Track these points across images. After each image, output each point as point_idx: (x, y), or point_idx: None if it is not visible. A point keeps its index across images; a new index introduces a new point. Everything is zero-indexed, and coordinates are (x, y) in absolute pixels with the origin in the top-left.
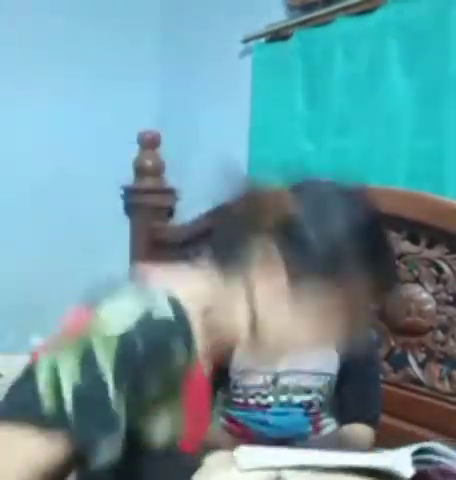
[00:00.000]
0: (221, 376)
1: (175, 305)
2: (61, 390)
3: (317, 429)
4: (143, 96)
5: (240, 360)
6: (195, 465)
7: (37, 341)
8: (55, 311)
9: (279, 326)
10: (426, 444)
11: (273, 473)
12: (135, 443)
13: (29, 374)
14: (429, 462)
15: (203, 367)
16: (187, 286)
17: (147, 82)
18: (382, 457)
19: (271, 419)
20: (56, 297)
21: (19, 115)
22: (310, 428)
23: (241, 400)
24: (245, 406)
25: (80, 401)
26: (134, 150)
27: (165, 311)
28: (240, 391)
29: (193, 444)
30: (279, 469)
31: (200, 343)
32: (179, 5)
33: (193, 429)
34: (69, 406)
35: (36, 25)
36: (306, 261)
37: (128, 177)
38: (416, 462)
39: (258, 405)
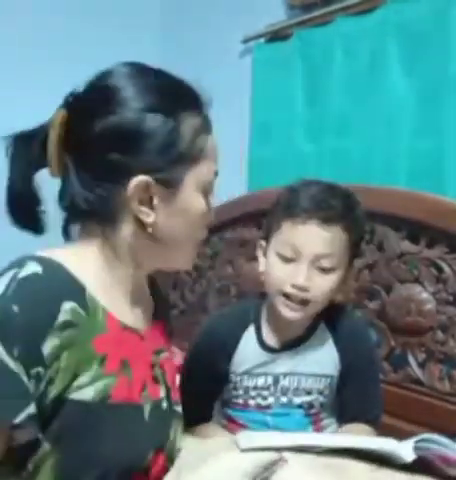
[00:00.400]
0: (221, 378)
1: (45, 261)
2: None
3: (318, 430)
4: None
5: (241, 362)
6: (138, 413)
7: None
8: None
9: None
10: (427, 435)
11: (274, 454)
12: (61, 405)
13: None
14: (429, 449)
15: (116, 317)
16: (68, 249)
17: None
18: (384, 442)
19: (271, 420)
20: None
21: (19, 115)
22: (311, 429)
23: (241, 401)
24: (245, 407)
25: None
26: None
27: (32, 268)
28: (240, 392)
29: (134, 392)
30: (280, 450)
31: (104, 285)
32: (179, 5)
33: (126, 377)
34: None
35: (36, 25)
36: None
37: None
38: (417, 449)
39: (258, 406)
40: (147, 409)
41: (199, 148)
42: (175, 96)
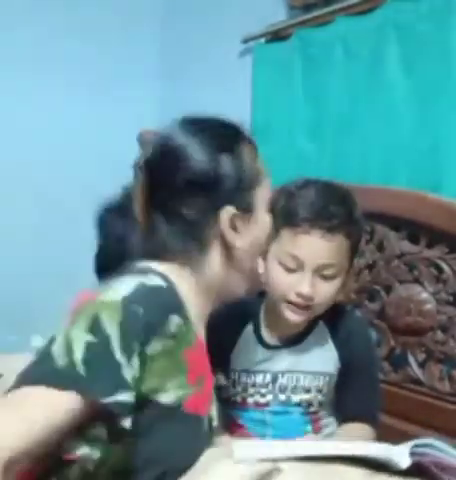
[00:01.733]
0: (221, 374)
1: (164, 278)
2: (72, 352)
3: (317, 429)
4: (143, 96)
5: (239, 359)
6: (200, 425)
7: (38, 341)
8: (56, 311)
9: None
10: (424, 440)
11: (270, 464)
12: (145, 403)
13: (45, 350)
14: (425, 455)
15: (201, 333)
16: (167, 266)
17: (147, 82)
18: (379, 448)
19: (269, 419)
20: (57, 297)
21: (19, 116)
22: (309, 428)
23: (239, 398)
24: (243, 405)
25: (90, 362)
26: (134, 150)
27: (156, 281)
28: (239, 389)
29: (201, 405)
30: (276, 460)
31: (194, 308)
32: (179, 5)
33: (199, 391)
34: (80, 366)
35: (36, 25)
36: None
37: (128, 177)
38: (412, 454)
39: (256, 404)
40: (205, 422)
41: (259, 171)
42: (230, 133)
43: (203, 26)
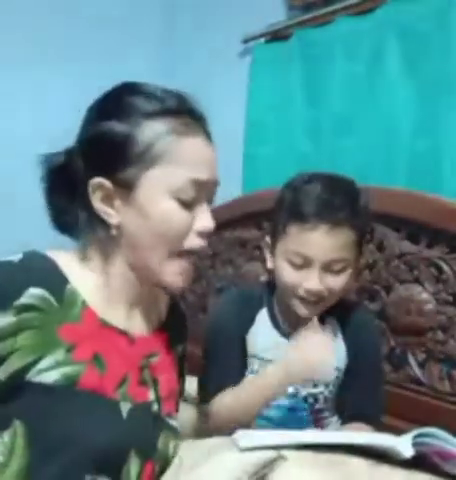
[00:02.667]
0: (243, 355)
1: (29, 252)
2: None
3: (320, 428)
4: None
5: (254, 344)
6: (103, 404)
7: None
8: None
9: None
10: (427, 429)
11: (273, 452)
12: (23, 385)
13: None
14: (428, 445)
15: (96, 313)
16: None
17: (147, 81)
18: (383, 438)
19: (275, 415)
20: None
21: (19, 115)
22: (313, 427)
23: None
24: None
25: None
26: None
27: (12, 258)
28: (250, 378)
29: (106, 385)
30: (279, 448)
31: (87, 289)
32: (179, 5)
33: (97, 369)
34: None
35: (36, 24)
36: None
37: None
38: (415, 444)
39: None
40: (126, 407)
41: (161, 151)
42: (140, 103)
43: (203, 26)
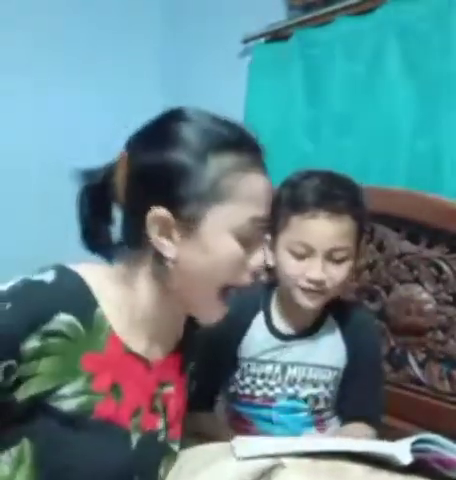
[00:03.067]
0: (229, 362)
1: (61, 271)
2: None
3: (320, 431)
4: (143, 95)
5: (249, 347)
6: (115, 433)
7: None
8: None
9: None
10: (426, 435)
11: (272, 460)
12: (42, 408)
13: None
14: (427, 451)
15: (121, 340)
16: (105, 268)
17: (147, 81)
18: (381, 445)
19: (275, 416)
20: None
21: (19, 115)
22: (313, 430)
23: (247, 392)
24: (251, 399)
25: None
26: None
27: (45, 277)
28: (247, 381)
29: (120, 414)
30: (278, 457)
31: (116, 313)
32: (179, 5)
33: (113, 399)
34: None
35: (35, 24)
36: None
37: None
38: (414, 451)
39: (264, 397)
40: (136, 437)
41: (226, 188)
42: (204, 135)
43: (203, 26)
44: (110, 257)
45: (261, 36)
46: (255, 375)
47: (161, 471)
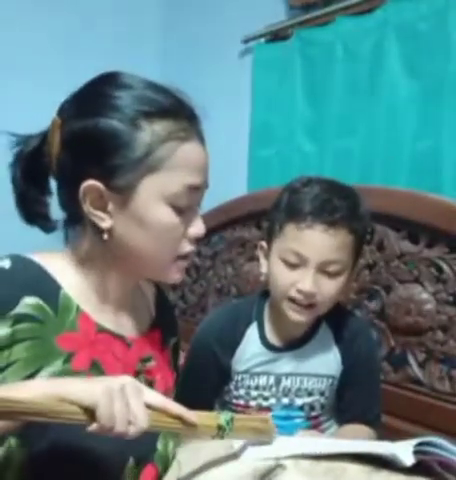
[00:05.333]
0: (223, 374)
1: (16, 259)
2: None
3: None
4: None
5: (243, 360)
6: None
7: None
8: None
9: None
10: (428, 438)
11: (273, 461)
12: None
13: None
14: (428, 453)
15: (92, 319)
16: (59, 252)
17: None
18: (383, 446)
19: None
20: None
21: (20, 115)
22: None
23: (242, 402)
24: (246, 408)
25: None
26: None
27: (1, 264)
28: (241, 392)
29: None
30: (278, 458)
31: (81, 295)
32: (179, 5)
33: (94, 376)
34: None
35: (35, 23)
36: None
37: None
38: (416, 452)
39: (259, 407)
40: None
41: (160, 157)
42: (138, 102)
43: (203, 26)
44: (49, 230)
45: (261, 36)
46: (249, 387)
47: (159, 446)
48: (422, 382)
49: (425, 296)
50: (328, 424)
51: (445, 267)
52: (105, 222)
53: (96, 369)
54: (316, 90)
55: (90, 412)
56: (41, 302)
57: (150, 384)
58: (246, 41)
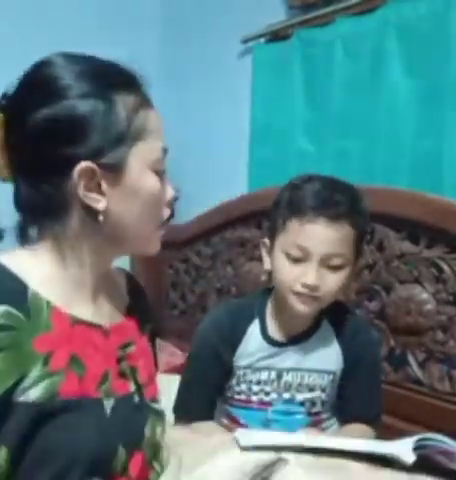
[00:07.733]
0: (225, 370)
1: None
2: None
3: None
4: None
5: (245, 355)
6: (91, 407)
7: None
8: None
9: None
10: (427, 435)
11: (274, 454)
12: (8, 407)
13: None
14: (430, 447)
15: (65, 312)
16: (18, 251)
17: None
18: (383, 444)
19: (272, 419)
20: None
21: None
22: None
23: (243, 397)
24: (247, 403)
25: None
26: None
27: None
28: (243, 387)
29: (89, 386)
30: (280, 450)
31: (50, 289)
32: (179, 6)
33: (75, 372)
34: None
35: (35, 22)
36: None
37: None
38: (417, 448)
39: (260, 402)
40: (109, 404)
41: (138, 126)
42: (104, 78)
43: (203, 26)
44: None
45: (261, 36)
46: (251, 382)
47: (147, 432)
48: (422, 382)
49: (425, 296)
50: (330, 423)
51: (445, 267)
52: (101, 203)
53: (76, 364)
54: (316, 90)
55: None
56: (10, 308)
57: (133, 371)
58: (246, 41)
